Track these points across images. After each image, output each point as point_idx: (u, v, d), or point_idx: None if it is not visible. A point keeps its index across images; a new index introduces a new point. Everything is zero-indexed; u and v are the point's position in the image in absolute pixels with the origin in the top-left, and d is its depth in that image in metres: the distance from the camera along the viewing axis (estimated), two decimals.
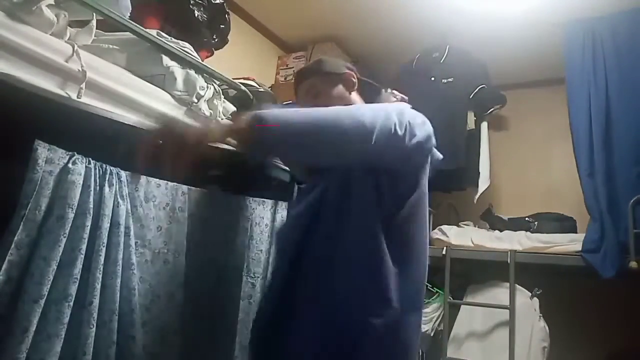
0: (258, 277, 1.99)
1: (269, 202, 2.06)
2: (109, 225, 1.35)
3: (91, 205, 1.30)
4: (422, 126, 1.23)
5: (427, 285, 1.53)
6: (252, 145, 1.10)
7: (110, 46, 1.40)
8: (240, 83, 1.84)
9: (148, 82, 1.45)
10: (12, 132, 1.27)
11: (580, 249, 2.74)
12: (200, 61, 1.63)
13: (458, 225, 3.44)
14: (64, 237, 1.22)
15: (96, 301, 1.28)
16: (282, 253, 1.47)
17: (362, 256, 1.20)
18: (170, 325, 1.58)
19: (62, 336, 1.21)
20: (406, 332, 1.21)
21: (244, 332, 1.93)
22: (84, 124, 1.28)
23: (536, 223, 3.16)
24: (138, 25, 1.41)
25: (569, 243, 2.86)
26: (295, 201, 1.50)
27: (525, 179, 3.83)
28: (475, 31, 3.34)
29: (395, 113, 1.16)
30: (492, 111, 3.56)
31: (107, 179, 1.36)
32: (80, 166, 1.30)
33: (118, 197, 1.39)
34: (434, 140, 1.29)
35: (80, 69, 1.20)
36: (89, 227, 1.29)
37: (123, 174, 1.44)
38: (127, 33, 1.41)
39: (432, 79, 3.50)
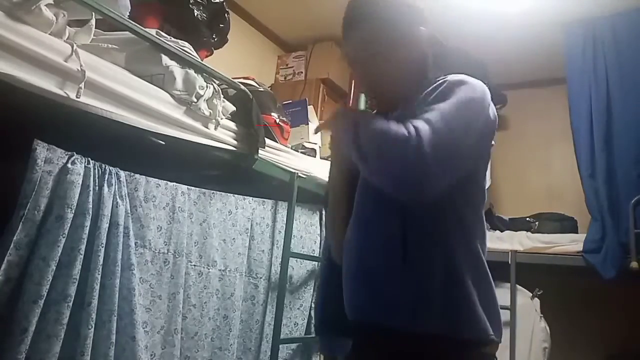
0: (260, 277, 1.99)
1: (269, 202, 2.05)
2: (108, 225, 1.35)
3: (90, 205, 1.30)
4: None
5: None
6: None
7: (110, 45, 1.39)
8: (240, 82, 1.84)
9: (147, 81, 1.44)
10: (12, 132, 1.27)
11: (581, 249, 2.74)
12: (200, 60, 1.63)
13: None
14: (63, 237, 1.22)
15: (95, 301, 1.28)
16: None
17: None
18: (171, 326, 1.58)
19: (61, 336, 1.21)
20: None
21: (246, 333, 1.92)
22: (84, 123, 1.28)
23: (537, 223, 3.15)
24: (137, 25, 1.41)
25: (570, 243, 2.85)
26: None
27: (526, 179, 3.82)
28: (475, 31, 3.33)
29: None
30: None
31: (106, 179, 1.36)
32: (79, 166, 1.29)
33: (117, 197, 1.39)
34: None
35: (80, 69, 1.20)
36: (88, 227, 1.28)
37: (122, 173, 1.44)
38: (127, 32, 1.41)
39: None
